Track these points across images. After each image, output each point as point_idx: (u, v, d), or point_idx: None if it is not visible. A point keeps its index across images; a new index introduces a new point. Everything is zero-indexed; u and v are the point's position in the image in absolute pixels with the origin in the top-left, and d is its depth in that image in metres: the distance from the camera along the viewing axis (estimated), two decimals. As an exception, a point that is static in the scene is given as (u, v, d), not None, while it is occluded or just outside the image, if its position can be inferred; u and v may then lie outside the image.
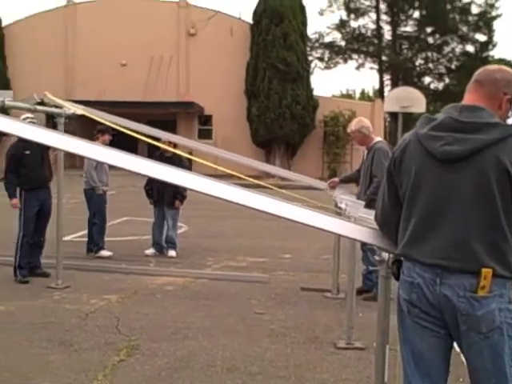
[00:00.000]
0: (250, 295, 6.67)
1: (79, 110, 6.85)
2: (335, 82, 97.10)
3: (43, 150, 7.03)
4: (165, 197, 8.36)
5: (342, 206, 5.36)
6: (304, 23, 28.84)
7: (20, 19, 29.85)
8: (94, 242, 8.56)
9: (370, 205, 5.17)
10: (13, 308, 5.91)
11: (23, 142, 6.70)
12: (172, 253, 8.75)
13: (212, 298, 6.52)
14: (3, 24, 29.31)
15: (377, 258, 2.96)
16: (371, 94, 65.58)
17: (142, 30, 27.94)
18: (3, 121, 3.12)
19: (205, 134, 28.86)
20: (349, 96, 61.32)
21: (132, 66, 28.23)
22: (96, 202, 8.58)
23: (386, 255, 2.77)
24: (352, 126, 6.65)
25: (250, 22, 28.66)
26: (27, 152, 6.88)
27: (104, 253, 8.50)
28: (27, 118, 7.13)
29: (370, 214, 3.34)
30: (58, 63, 28.69)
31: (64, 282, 6.81)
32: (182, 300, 6.41)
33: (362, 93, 72.79)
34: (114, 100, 25.57)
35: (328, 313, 6.09)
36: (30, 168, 7.04)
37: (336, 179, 7.10)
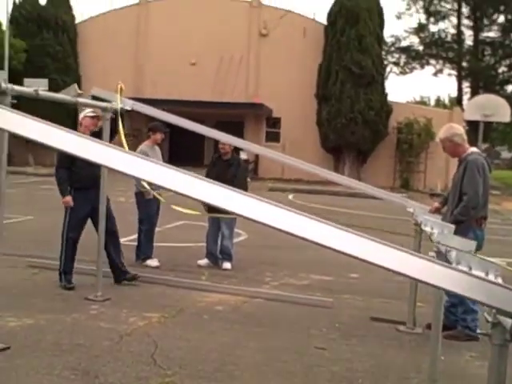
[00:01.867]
0: (311, 323, 5.78)
1: (128, 105, 6.20)
2: (408, 88, 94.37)
3: None
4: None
5: (427, 229, 4.38)
6: (381, 26, 27.51)
7: (93, 16, 30.04)
8: (142, 249, 7.89)
9: (455, 228, 4.24)
10: (43, 322, 5.26)
11: None
12: (227, 265, 7.96)
13: (266, 325, 5.65)
14: (77, 21, 29.61)
15: (488, 318, 2.12)
16: (447, 101, 63.28)
17: (213, 30, 27.59)
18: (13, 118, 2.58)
19: (272, 137, 28.10)
20: (423, 103, 59.31)
21: (201, 65, 27.85)
22: (144, 208, 7.87)
23: (506, 319, 1.90)
24: (441, 134, 5.62)
25: (325, 22, 27.64)
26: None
27: (150, 262, 7.77)
28: (88, 112, 6.62)
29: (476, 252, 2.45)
30: (129, 61, 28.69)
31: (105, 293, 6.15)
32: (232, 325, 5.58)
33: (438, 100, 70.47)
34: (182, 99, 25.26)
35: (403, 353, 5.13)
36: (81, 165, 6.37)
37: (437, 204, 6.01)
